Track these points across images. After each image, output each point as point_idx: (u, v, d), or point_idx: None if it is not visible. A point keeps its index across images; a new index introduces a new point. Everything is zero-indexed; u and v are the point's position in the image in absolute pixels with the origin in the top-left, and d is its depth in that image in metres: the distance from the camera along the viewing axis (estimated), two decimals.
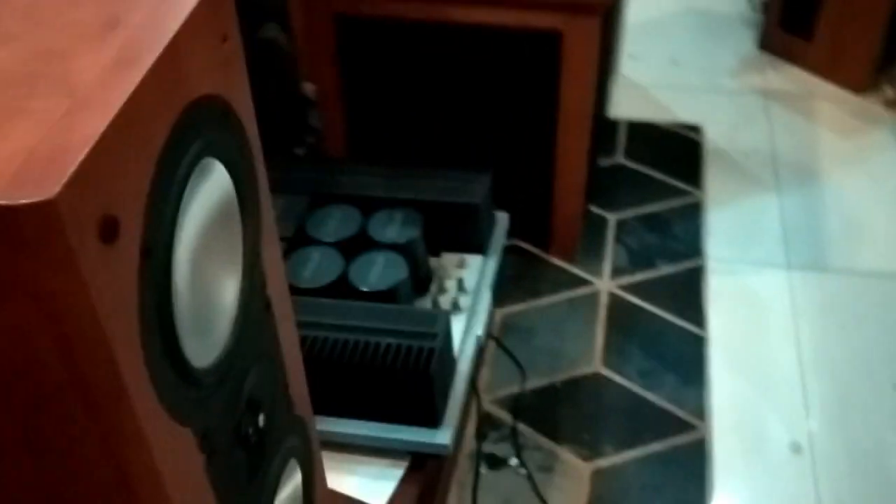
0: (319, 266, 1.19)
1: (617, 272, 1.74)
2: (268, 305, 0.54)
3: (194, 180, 0.42)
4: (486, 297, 1.27)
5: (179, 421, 0.42)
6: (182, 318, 0.41)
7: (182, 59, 0.41)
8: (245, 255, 0.49)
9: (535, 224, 1.75)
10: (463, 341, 1.19)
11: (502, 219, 1.42)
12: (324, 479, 0.75)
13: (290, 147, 1.80)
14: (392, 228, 1.23)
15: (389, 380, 1.04)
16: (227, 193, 0.46)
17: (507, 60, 1.51)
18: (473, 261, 1.31)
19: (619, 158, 2.03)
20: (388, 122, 1.65)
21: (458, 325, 1.20)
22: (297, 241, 1.24)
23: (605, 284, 1.72)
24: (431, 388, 1.04)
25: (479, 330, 1.22)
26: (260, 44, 1.76)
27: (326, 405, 1.11)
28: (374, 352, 1.05)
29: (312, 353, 1.06)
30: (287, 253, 1.22)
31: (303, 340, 1.06)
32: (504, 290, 1.70)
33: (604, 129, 2.05)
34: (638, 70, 2.31)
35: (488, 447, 1.44)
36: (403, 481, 1.12)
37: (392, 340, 1.06)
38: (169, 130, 0.39)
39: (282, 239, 1.23)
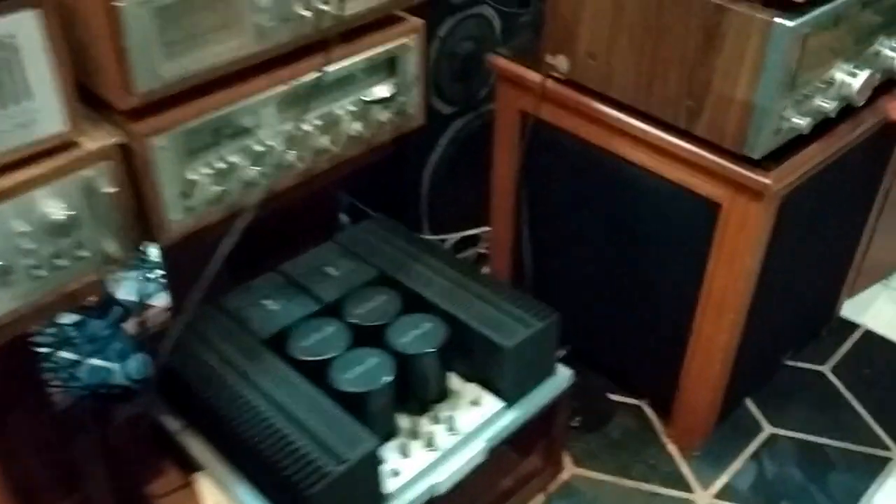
0: (320, 342, 1.17)
1: (728, 493, 1.46)
2: None
3: None
4: (475, 450, 1.15)
5: None
6: None
7: None
8: None
9: (662, 395, 1.54)
10: (410, 483, 1.10)
11: (562, 376, 1.27)
12: None
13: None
14: (410, 335, 1.17)
15: (280, 480, 1.00)
16: None
17: (666, 212, 1.33)
18: (490, 404, 1.19)
19: (826, 368, 1.69)
20: (540, 227, 1.56)
21: (418, 464, 1.11)
22: (329, 309, 1.23)
23: (703, 499, 1.45)
24: None
25: (440, 478, 1.11)
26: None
27: (240, 465, 1.11)
28: (282, 445, 1.01)
29: (241, 413, 1.05)
30: (313, 315, 1.22)
31: (239, 397, 1.06)
32: (596, 451, 1.52)
33: (812, 326, 1.73)
34: None
35: None
36: None
37: (305, 443, 1.01)
38: None
39: (320, 301, 1.24)
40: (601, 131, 1.34)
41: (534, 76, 1.39)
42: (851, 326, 1.78)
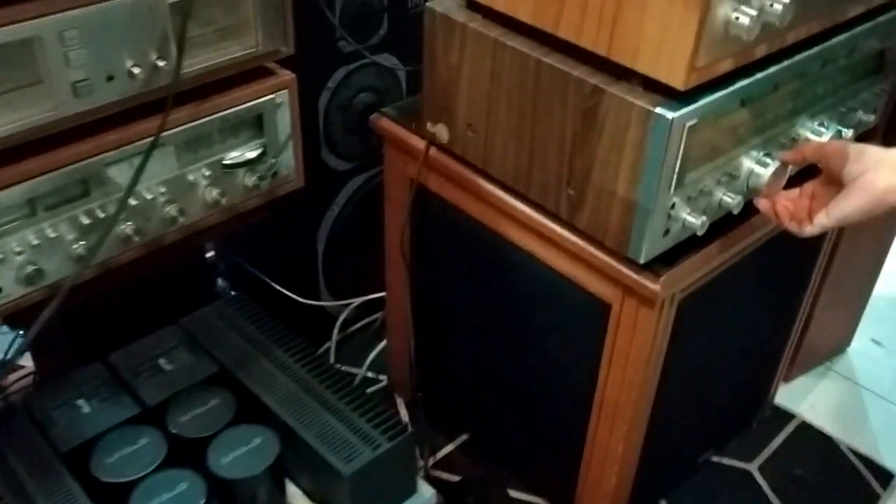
0: (126, 458, 1.00)
1: None
2: None
3: None
4: None
5: None
6: None
7: None
8: None
9: (563, 497, 1.37)
10: None
11: (424, 495, 1.10)
12: None
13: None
14: (233, 453, 1.00)
15: None
16: None
17: (555, 305, 1.17)
18: None
19: (753, 466, 1.52)
20: (432, 304, 1.40)
21: None
22: (149, 414, 1.06)
23: None
24: None
25: None
26: None
27: None
28: None
29: None
30: (130, 421, 1.05)
31: None
32: None
33: (742, 417, 1.56)
34: (871, 364, 1.74)
35: None
36: None
37: None
38: None
39: (141, 404, 1.07)
40: (486, 209, 1.18)
41: (417, 141, 1.23)
42: (786, 417, 1.61)
